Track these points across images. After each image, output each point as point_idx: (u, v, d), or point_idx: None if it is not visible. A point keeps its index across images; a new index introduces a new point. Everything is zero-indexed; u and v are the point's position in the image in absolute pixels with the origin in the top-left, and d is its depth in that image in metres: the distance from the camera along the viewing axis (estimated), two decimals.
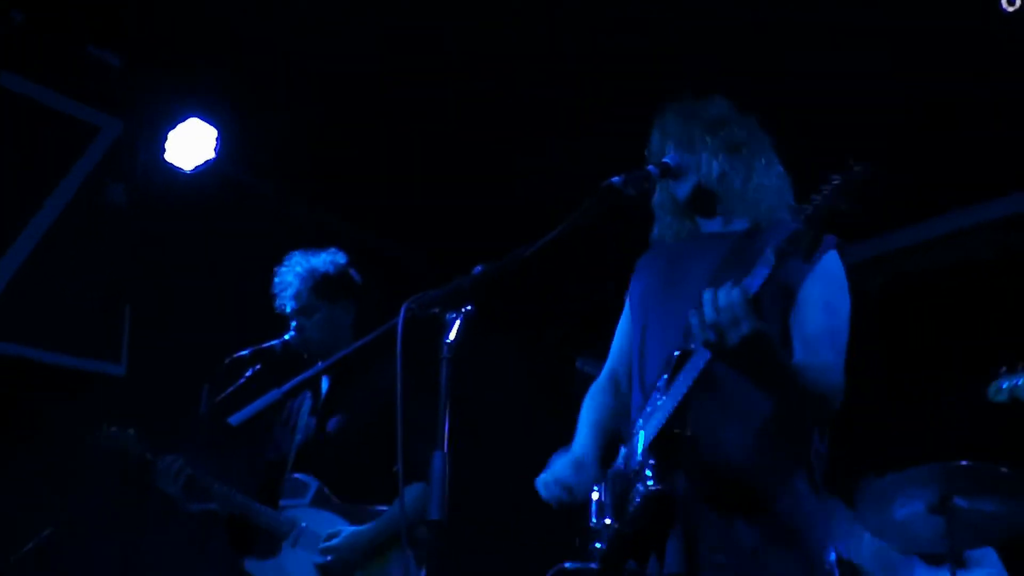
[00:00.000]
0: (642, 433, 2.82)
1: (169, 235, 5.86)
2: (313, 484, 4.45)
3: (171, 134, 5.77)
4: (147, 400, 5.45)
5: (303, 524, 4.38)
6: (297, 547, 4.36)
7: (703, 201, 3.09)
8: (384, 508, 4.37)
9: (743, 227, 3.03)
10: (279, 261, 4.73)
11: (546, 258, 2.72)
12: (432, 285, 2.63)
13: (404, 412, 2.62)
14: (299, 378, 3.22)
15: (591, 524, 2.96)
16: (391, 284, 4.11)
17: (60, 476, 5.18)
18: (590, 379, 3.40)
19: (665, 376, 2.79)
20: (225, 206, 6.20)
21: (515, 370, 7.30)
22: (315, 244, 4.81)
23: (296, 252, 4.72)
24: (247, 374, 4.41)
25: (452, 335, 2.52)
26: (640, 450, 2.78)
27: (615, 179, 2.83)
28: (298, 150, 6.27)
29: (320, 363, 4.26)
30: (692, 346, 2.69)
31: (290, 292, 4.62)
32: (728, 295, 2.42)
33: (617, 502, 2.86)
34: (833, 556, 4.93)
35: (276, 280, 4.66)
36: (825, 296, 2.86)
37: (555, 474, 2.97)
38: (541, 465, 3.10)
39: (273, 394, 3.26)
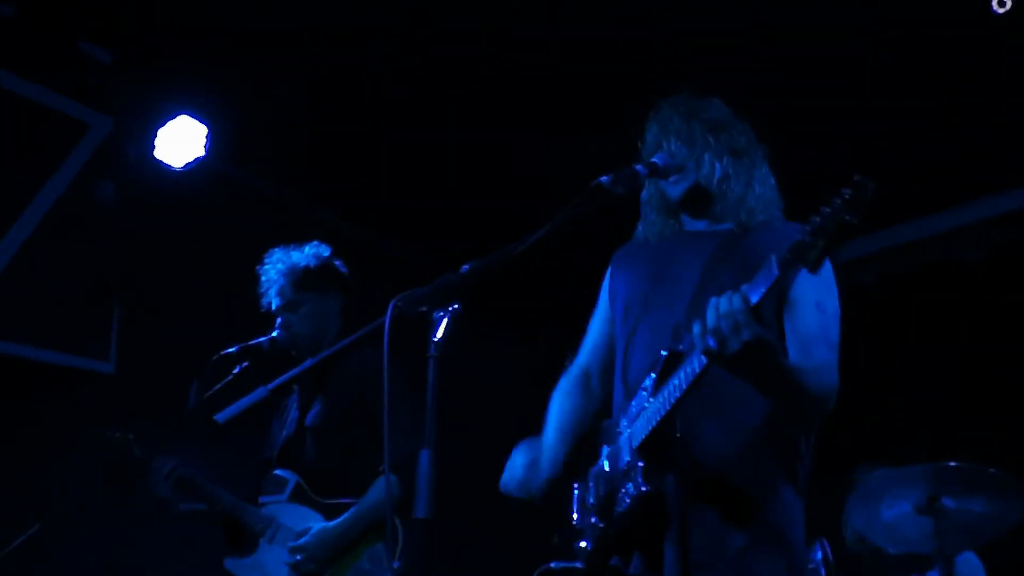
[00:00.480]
0: (628, 433, 2.81)
1: (158, 232, 5.85)
2: (292, 479, 4.45)
3: (161, 131, 5.76)
4: (136, 397, 5.45)
5: (280, 520, 4.38)
6: (274, 544, 4.36)
7: (696, 201, 3.08)
8: (354, 501, 4.35)
9: (728, 227, 3.03)
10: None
11: (538, 255, 2.72)
12: (424, 282, 2.62)
13: (386, 408, 2.62)
14: (285, 376, 3.21)
15: (574, 523, 2.96)
16: (383, 280, 4.10)
17: (48, 473, 5.17)
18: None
19: (653, 376, 2.78)
20: (215, 204, 6.19)
21: (506, 367, 7.31)
22: (305, 241, 4.81)
23: (277, 248, 4.72)
24: (235, 371, 4.41)
25: (440, 333, 2.51)
26: (629, 451, 2.78)
27: (603, 178, 2.82)
28: (288, 147, 6.27)
29: (308, 360, 4.25)
30: (681, 347, 2.69)
31: (274, 289, 4.62)
32: (730, 302, 2.41)
33: (603, 502, 2.85)
34: (819, 554, 4.97)
35: (261, 280, 4.65)
36: (816, 295, 2.85)
37: (510, 472, 3.05)
38: None
39: (259, 392, 3.25)
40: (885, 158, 6.16)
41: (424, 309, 2.56)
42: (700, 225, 3.12)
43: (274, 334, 4.57)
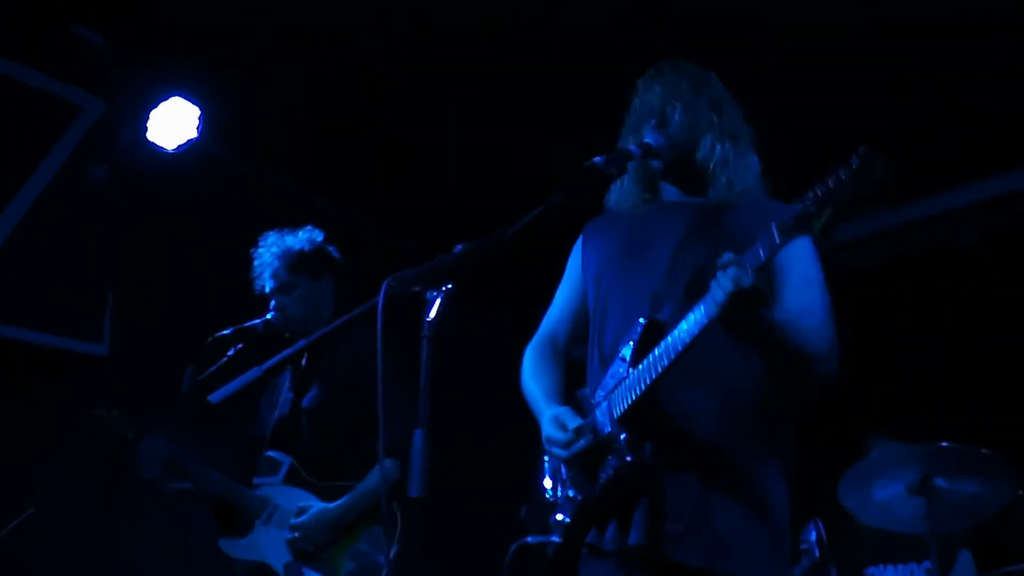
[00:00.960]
0: (607, 404, 2.80)
1: (151, 215, 5.84)
2: (286, 461, 4.45)
3: (153, 113, 5.74)
4: (129, 380, 5.44)
5: (276, 501, 4.38)
6: (270, 525, 4.36)
7: (682, 175, 3.06)
8: (352, 483, 4.36)
9: (704, 199, 3.01)
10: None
11: (531, 236, 2.72)
12: (416, 264, 2.62)
13: (382, 390, 2.62)
14: (279, 356, 3.22)
15: (547, 497, 2.94)
16: (376, 263, 4.10)
17: (42, 456, 5.17)
18: (573, 360, 3.37)
19: (631, 344, 2.77)
20: (208, 186, 6.18)
21: (498, 348, 7.31)
22: (298, 224, 4.81)
23: (271, 232, 4.73)
24: (229, 353, 4.42)
25: (432, 313, 2.51)
26: (610, 422, 2.77)
27: (597, 159, 2.81)
28: (281, 130, 6.25)
29: (301, 341, 4.25)
30: (661, 316, 2.68)
31: (268, 272, 4.63)
32: (730, 269, 2.43)
33: (582, 473, 2.84)
34: (813, 535, 4.98)
35: (255, 263, 4.66)
36: (804, 272, 2.85)
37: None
38: (522, 444, 3.09)
39: (253, 372, 3.26)
40: (875, 142, 6.15)
41: (417, 289, 2.56)
42: (675, 194, 3.09)
43: (268, 316, 4.58)
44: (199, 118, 5.79)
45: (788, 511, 2.83)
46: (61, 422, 4.78)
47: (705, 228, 2.89)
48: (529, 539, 4.73)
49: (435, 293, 2.54)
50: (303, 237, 4.71)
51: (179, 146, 5.82)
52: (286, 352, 3.24)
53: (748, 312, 2.51)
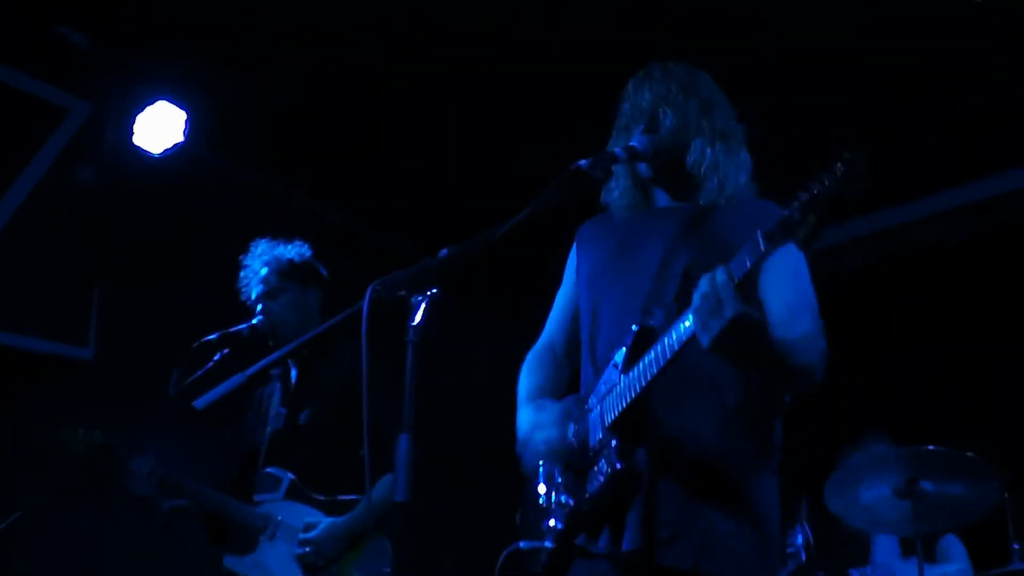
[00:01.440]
0: (599, 410, 2.79)
1: (137, 218, 5.83)
2: (286, 478, 4.45)
3: (140, 117, 5.73)
4: (115, 384, 5.44)
5: (279, 518, 4.38)
6: (275, 541, 4.37)
7: (672, 179, 3.04)
8: (358, 497, 4.38)
9: (694, 202, 2.99)
10: (247, 244, 4.74)
11: (516, 240, 2.72)
12: (404, 268, 2.62)
13: (376, 400, 2.62)
14: (265, 361, 3.21)
15: (540, 502, 2.94)
16: (364, 266, 4.09)
17: (29, 459, 5.15)
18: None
19: (623, 351, 2.77)
20: (194, 190, 6.17)
21: (483, 352, 7.31)
22: (285, 227, 4.82)
23: (262, 241, 4.74)
24: (215, 358, 4.40)
25: (418, 318, 2.50)
26: (601, 429, 2.77)
27: (582, 162, 2.78)
28: (267, 133, 6.24)
29: (287, 346, 4.24)
30: (652, 322, 2.68)
31: (256, 279, 4.64)
32: (712, 280, 2.40)
33: (572, 480, 2.83)
34: (800, 539, 4.99)
35: (242, 273, 4.68)
36: (791, 264, 2.82)
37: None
38: (509, 447, 3.08)
39: (238, 377, 3.25)
40: (865, 144, 6.17)
41: (403, 294, 2.55)
42: (666, 199, 3.08)
43: (254, 321, 4.58)
44: (185, 122, 5.78)
45: (779, 514, 2.84)
46: (47, 425, 4.76)
47: (694, 232, 2.87)
48: (521, 544, 4.74)
49: (420, 298, 2.53)
50: (293, 248, 4.75)
51: (165, 150, 5.81)
52: (272, 356, 3.23)
53: (743, 342, 2.48)
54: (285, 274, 4.66)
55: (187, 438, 4.71)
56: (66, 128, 5.57)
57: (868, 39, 5.49)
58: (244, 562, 4.39)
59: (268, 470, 4.49)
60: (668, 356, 2.56)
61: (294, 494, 4.42)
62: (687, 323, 2.51)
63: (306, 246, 4.80)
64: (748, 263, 2.38)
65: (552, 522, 2.88)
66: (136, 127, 5.75)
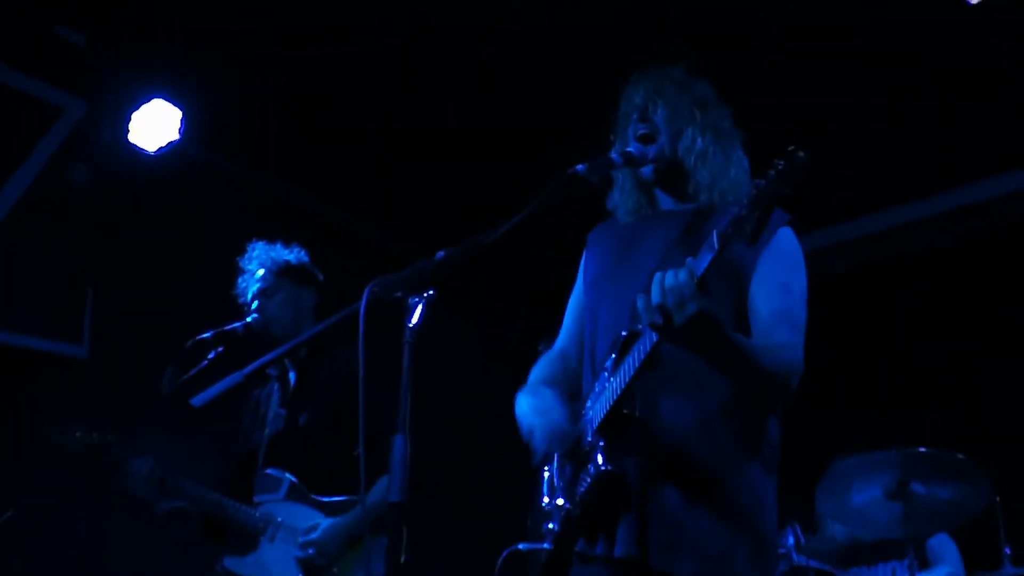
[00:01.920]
0: (591, 414, 2.83)
1: (132, 217, 5.83)
2: (286, 479, 4.46)
3: (135, 115, 5.73)
4: (109, 382, 5.44)
5: (279, 519, 4.39)
6: (276, 542, 4.37)
7: (670, 179, 3.06)
8: (358, 498, 4.36)
9: (696, 206, 3.01)
10: (242, 243, 4.76)
11: (512, 242, 2.73)
12: (401, 267, 2.63)
13: (376, 402, 2.63)
14: (262, 360, 3.21)
15: (543, 505, 2.97)
16: (360, 266, 4.10)
17: (22, 457, 5.15)
18: None
19: (613, 356, 2.80)
20: (189, 188, 6.17)
21: (477, 353, 7.33)
22: (281, 225, 4.84)
23: (258, 243, 4.77)
24: (210, 356, 4.41)
25: (414, 319, 2.52)
26: (590, 431, 2.79)
27: (579, 167, 2.81)
28: (263, 132, 6.25)
29: (284, 346, 4.25)
30: (639, 327, 2.70)
31: (253, 279, 4.66)
32: (675, 277, 2.43)
33: (569, 483, 2.86)
34: (791, 540, 5.00)
35: (240, 279, 4.70)
36: (780, 276, 2.86)
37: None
38: (505, 446, 3.09)
39: (235, 376, 3.25)
40: (857, 148, 6.20)
41: (399, 295, 2.57)
42: (669, 203, 3.11)
43: (248, 319, 4.59)
44: (181, 120, 5.78)
45: (775, 511, 2.85)
46: (40, 424, 4.76)
47: (690, 235, 2.90)
48: (520, 546, 4.77)
49: (417, 299, 2.55)
50: (289, 251, 4.79)
51: (160, 148, 5.81)
52: (269, 356, 3.23)
53: (705, 337, 2.52)
54: (280, 274, 4.69)
55: (182, 438, 4.70)
56: (61, 126, 5.57)
57: (862, 43, 5.50)
58: (245, 563, 4.40)
59: (268, 471, 4.50)
60: (642, 357, 2.61)
61: (294, 495, 4.43)
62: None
63: (303, 251, 4.83)
64: (705, 262, 2.44)
65: (551, 525, 2.91)
66: (131, 125, 5.75)
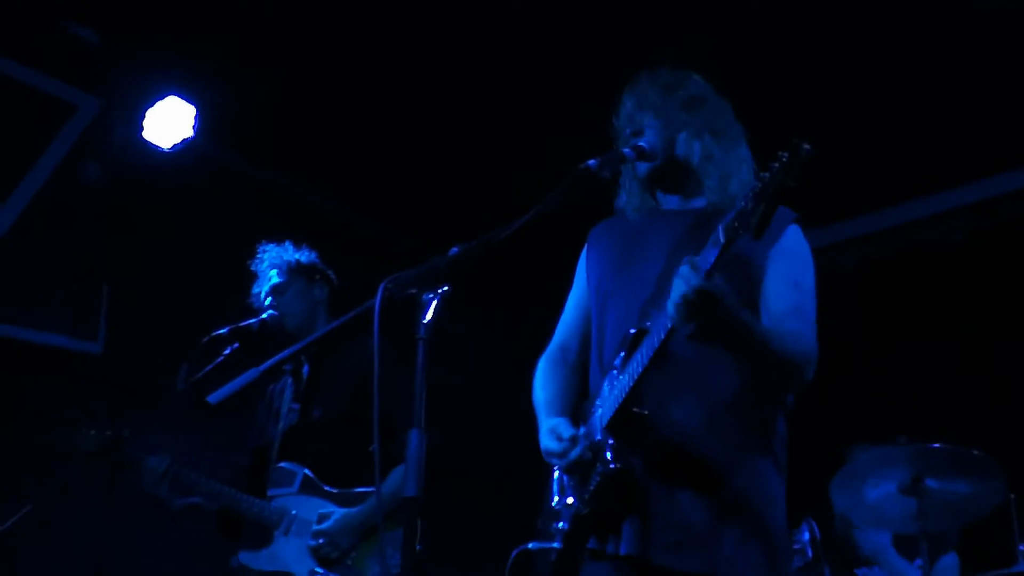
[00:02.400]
0: (600, 413, 2.83)
1: (147, 213, 5.85)
2: (300, 472, 4.48)
3: (149, 112, 5.74)
4: (124, 378, 5.45)
5: (293, 512, 4.41)
6: (290, 535, 4.40)
7: (668, 179, 3.06)
8: (372, 489, 4.39)
9: (702, 205, 3.01)
10: (256, 240, 4.79)
11: (526, 237, 2.73)
12: (414, 265, 2.64)
13: (390, 395, 2.64)
14: (278, 356, 3.22)
15: (552, 504, 2.97)
16: (373, 263, 4.12)
17: (39, 453, 5.17)
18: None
19: (622, 354, 2.80)
20: (203, 185, 6.19)
21: (493, 350, 7.33)
22: (294, 221, 4.86)
23: (270, 245, 4.83)
24: (225, 352, 4.44)
25: (429, 315, 2.52)
26: (599, 429, 2.80)
27: (591, 162, 2.81)
28: (277, 129, 6.25)
29: (300, 342, 4.27)
30: (647, 324, 2.70)
31: (265, 277, 4.72)
32: (679, 275, 2.47)
33: (578, 482, 2.86)
34: (807, 535, 4.99)
35: (254, 285, 4.73)
36: (790, 274, 2.86)
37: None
38: (518, 444, 3.10)
39: (252, 373, 3.26)
40: (864, 144, 6.19)
41: (414, 291, 2.58)
42: (674, 202, 3.10)
43: (263, 316, 4.61)
44: (195, 117, 5.79)
45: (784, 507, 2.85)
46: (56, 420, 4.78)
47: (694, 237, 2.87)
48: (531, 545, 4.77)
49: (431, 295, 2.55)
50: (301, 250, 4.85)
51: (175, 145, 5.82)
52: (285, 352, 3.25)
53: (707, 314, 2.51)
54: (293, 271, 4.76)
55: (196, 433, 4.72)
56: (76, 123, 5.59)
57: (867, 40, 5.49)
58: (259, 557, 4.42)
59: (282, 465, 4.52)
60: (651, 353, 2.61)
61: (308, 488, 4.45)
62: (665, 319, 2.56)
63: (314, 253, 4.88)
64: (712, 256, 2.46)
65: (560, 524, 2.92)
66: (146, 122, 5.76)
